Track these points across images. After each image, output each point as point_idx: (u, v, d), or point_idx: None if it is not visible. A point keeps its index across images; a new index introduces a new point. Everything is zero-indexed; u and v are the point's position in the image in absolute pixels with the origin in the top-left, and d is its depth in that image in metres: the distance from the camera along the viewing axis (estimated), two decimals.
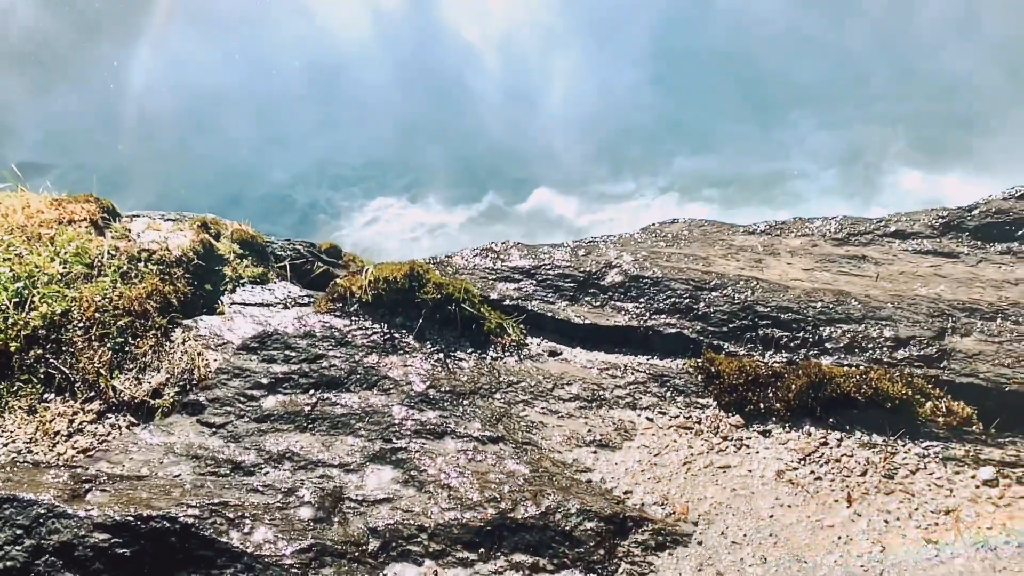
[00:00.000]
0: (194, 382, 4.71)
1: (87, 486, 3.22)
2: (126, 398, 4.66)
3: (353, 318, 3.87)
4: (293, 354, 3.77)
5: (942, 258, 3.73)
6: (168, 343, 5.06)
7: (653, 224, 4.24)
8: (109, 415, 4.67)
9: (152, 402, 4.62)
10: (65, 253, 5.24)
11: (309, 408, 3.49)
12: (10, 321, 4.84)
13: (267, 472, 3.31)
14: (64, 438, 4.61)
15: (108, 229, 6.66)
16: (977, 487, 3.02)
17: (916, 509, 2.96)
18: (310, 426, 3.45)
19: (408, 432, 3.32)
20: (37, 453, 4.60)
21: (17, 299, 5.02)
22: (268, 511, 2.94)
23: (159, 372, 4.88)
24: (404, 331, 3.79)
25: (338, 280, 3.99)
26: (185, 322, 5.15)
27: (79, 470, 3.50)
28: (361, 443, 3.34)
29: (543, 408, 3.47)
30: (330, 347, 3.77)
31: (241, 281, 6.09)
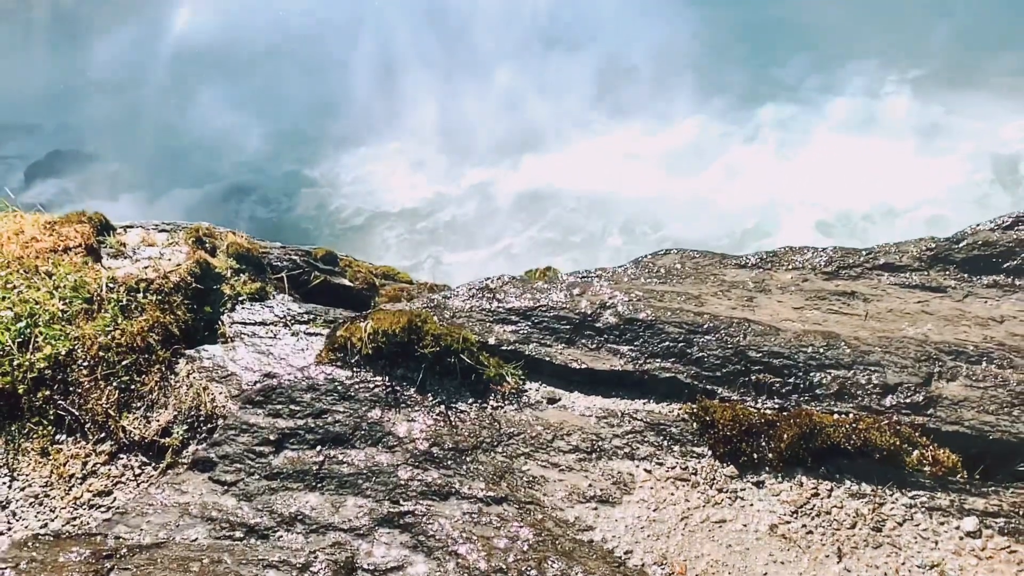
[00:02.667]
0: (201, 419, 4.79)
1: (109, 564, 3.33)
2: (136, 438, 4.75)
3: (355, 369, 3.94)
4: (298, 408, 3.85)
5: (929, 293, 3.80)
6: (173, 376, 5.14)
7: (645, 257, 4.28)
8: (121, 455, 4.77)
9: (162, 441, 4.72)
10: (64, 287, 5.26)
11: (317, 467, 3.59)
12: (16, 363, 4.91)
13: (280, 536, 3.42)
14: (79, 481, 4.71)
15: (104, 246, 6.67)
16: (961, 538, 3.14)
17: (903, 563, 3.10)
18: (319, 485, 3.55)
19: (414, 493, 3.42)
20: (54, 498, 4.72)
21: (20, 339, 5.07)
22: None
23: (166, 409, 4.97)
24: (406, 383, 3.87)
25: (338, 331, 4.05)
26: (188, 352, 5.22)
27: (98, 539, 3.61)
28: (369, 504, 3.45)
29: (544, 461, 3.57)
30: (334, 401, 3.85)
31: (240, 299, 6.13)
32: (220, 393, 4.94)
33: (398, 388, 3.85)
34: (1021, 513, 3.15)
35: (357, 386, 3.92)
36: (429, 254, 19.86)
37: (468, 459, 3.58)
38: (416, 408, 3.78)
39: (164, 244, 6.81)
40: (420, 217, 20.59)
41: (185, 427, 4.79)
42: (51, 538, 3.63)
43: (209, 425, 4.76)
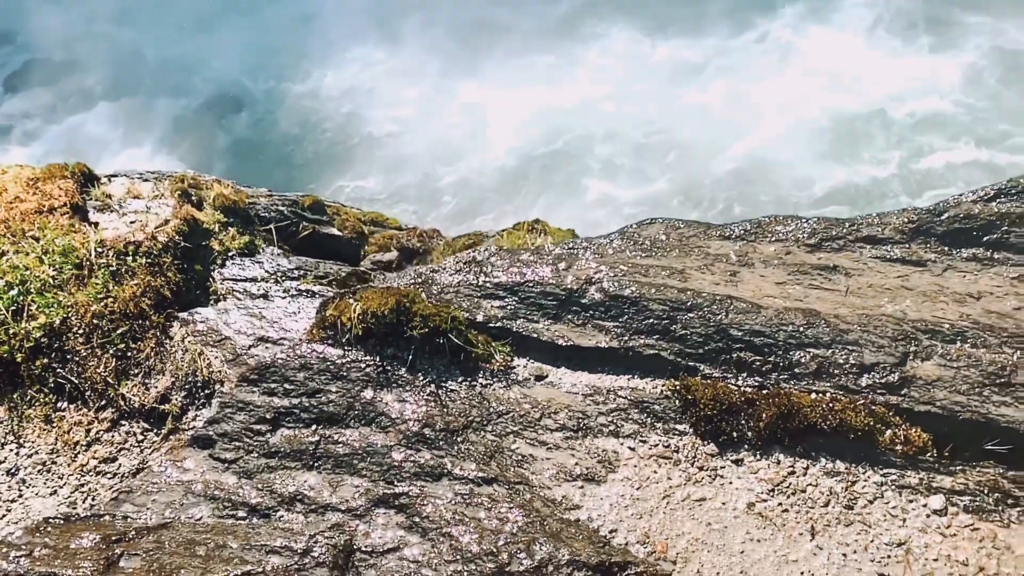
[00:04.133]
0: (199, 384, 4.87)
1: (119, 550, 3.47)
2: (136, 405, 4.85)
3: (346, 348, 4.01)
4: (292, 388, 3.93)
5: (910, 267, 3.85)
6: (168, 341, 5.20)
7: (631, 227, 4.29)
8: (123, 422, 4.88)
9: (162, 408, 4.82)
10: (53, 252, 5.25)
11: (313, 446, 3.70)
12: (11, 332, 4.95)
13: (281, 516, 3.56)
14: (84, 448, 4.84)
15: (89, 199, 6.62)
16: (928, 516, 3.30)
17: (872, 541, 3.26)
18: (316, 464, 3.67)
19: (408, 475, 3.55)
20: (61, 464, 4.85)
21: (14, 307, 5.09)
22: (288, 573, 3.21)
23: (164, 375, 5.05)
24: (396, 363, 3.94)
25: (328, 310, 4.08)
26: (182, 316, 5.27)
27: (107, 519, 3.74)
28: (365, 484, 3.58)
29: (532, 439, 3.68)
30: (327, 381, 3.93)
31: (230, 254, 6.14)
32: (215, 358, 5.01)
33: (389, 368, 3.92)
34: (986, 491, 3.30)
35: (349, 365, 3.98)
36: (421, 173, 19.62)
37: (459, 439, 3.68)
38: (407, 388, 3.86)
39: (150, 196, 6.75)
40: (408, 134, 20.22)
41: (183, 393, 4.89)
42: (61, 522, 3.76)
43: (207, 391, 4.85)
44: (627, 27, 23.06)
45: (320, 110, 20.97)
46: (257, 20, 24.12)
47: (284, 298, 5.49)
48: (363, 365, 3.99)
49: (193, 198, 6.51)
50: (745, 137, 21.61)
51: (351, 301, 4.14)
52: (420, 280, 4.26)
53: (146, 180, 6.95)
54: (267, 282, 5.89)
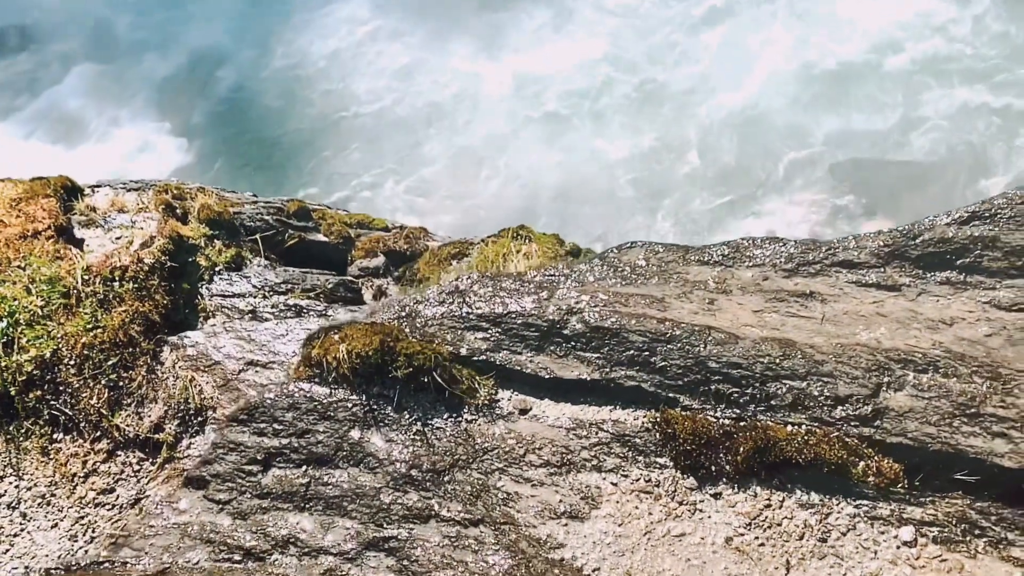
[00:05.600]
0: (191, 412, 4.95)
1: None
2: (131, 435, 4.93)
3: (332, 387, 4.08)
4: (281, 428, 4.02)
5: (885, 292, 3.90)
6: (159, 367, 5.27)
7: (611, 252, 4.33)
8: (119, 453, 4.97)
9: (156, 437, 4.90)
10: (40, 281, 5.27)
11: (303, 488, 3.80)
12: (4, 365, 5.01)
13: (276, 559, 3.68)
14: (81, 479, 4.93)
15: (73, 212, 6.61)
16: (898, 547, 3.42)
17: (844, 574, 3.37)
18: (307, 506, 3.77)
19: (397, 517, 3.65)
20: (60, 497, 4.95)
21: (5, 340, 5.14)
22: None
23: (156, 403, 5.12)
24: (382, 401, 4.01)
25: (313, 349, 4.14)
26: (171, 339, 5.34)
27: (107, 568, 3.85)
28: (356, 527, 3.69)
29: (517, 476, 3.78)
30: (315, 421, 4.01)
31: (217, 268, 6.16)
32: (207, 383, 5.09)
33: (375, 407, 4.00)
34: (954, 522, 3.41)
35: (336, 405, 4.06)
36: (412, 141, 19.43)
37: (446, 479, 3.78)
38: (394, 427, 3.95)
39: (134, 208, 6.74)
40: (397, 103, 19.96)
41: (177, 422, 4.97)
42: (63, 573, 3.87)
43: (199, 418, 4.94)
44: None
45: (305, 78, 20.65)
46: None
47: (272, 317, 5.54)
48: (350, 404, 4.06)
49: (178, 211, 6.51)
50: (739, 88, 21.40)
51: (335, 338, 4.20)
52: (404, 313, 4.31)
53: (130, 190, 6.94)
54: (255, 297, 5.93)
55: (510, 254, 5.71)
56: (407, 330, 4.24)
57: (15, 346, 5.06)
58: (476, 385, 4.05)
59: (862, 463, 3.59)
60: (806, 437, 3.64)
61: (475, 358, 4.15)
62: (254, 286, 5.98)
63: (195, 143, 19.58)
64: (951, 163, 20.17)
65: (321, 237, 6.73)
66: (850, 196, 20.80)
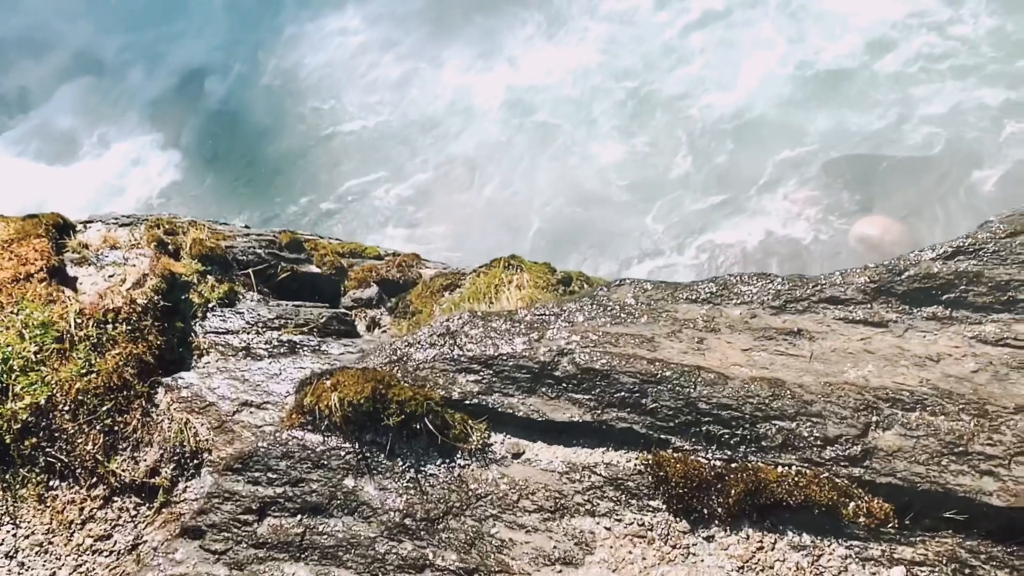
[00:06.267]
0: (187, 455, 4.96)
1: None
2: (127, 480, 4.94)
3: (325, 435, 4.11)
4: (275, 476, 4.04)
5: (872, 328, 3.93)
6: (154, 410, 5.29)
7: (600, 291, 4.34)
8: (115, 499, 4.98)
9: (152, 481, 4.91)
10: (33, 327, 5.29)
11: (299, 537, 3.82)
12: None
13: None
14: (79, 527, 4.95)
15: (65, 251, 6.63)
16: None
17: None
18: (303, 556, 3.80)
19: (392, 567, 3.68)
20: (57, 545, 4.97)
21: (0, 387, 5.15)
22: None
23: (152, 447, 5.14)
24: (375, 449, 4.04)
25: (306, 397, 4.16)
26: (166, 381, 5.36)
27: None
28: None
29: (511, 522, 3.81)
30: (308, 469, 4.03)
31: (210, 305, 6.18)
32: (201, 425, 5.11)
33: (368, 454, 4.02)
34: (944, 562, 3.44)
35: (329, 453, 4.08)
36: (406, 152, 19.41)
37: (440, 527, 3.80)
38: (387, 475, 3.97)
39: (127, 245, 6.76)
40: (389, 116, 19.95)
41: (172, 465, 4.99)
42: None
43: (195, 461, 4.96)
44: None
45: (296, 92, 20.64)
46: None
47: (266, 354, 5.56)
48: (343, 452, 4.08)
49: (170, 247, 6.53)
50: (732, 89, 21.46)
51: (327, 384, 4.22)
52: (396, 357, 4.33)
53: (122, 225, 6.95)
54: (248, 334, 5.95)
55: (502, 285, 5.74)
56: (399, 374, 4.26)
57: (10, 393, 5.08)
58: (468, 430, 4.07)
59: (852, 504, 3.61)
60: (796, 478, 3.67)
61: (467, 402, 4.17)
62: (247, 322, 5.99)
63: (186, 158, 19.56)
64: (944, 157, 20.21)
65: (314, 268, 6.75)
66: (844, 192, 20.84)
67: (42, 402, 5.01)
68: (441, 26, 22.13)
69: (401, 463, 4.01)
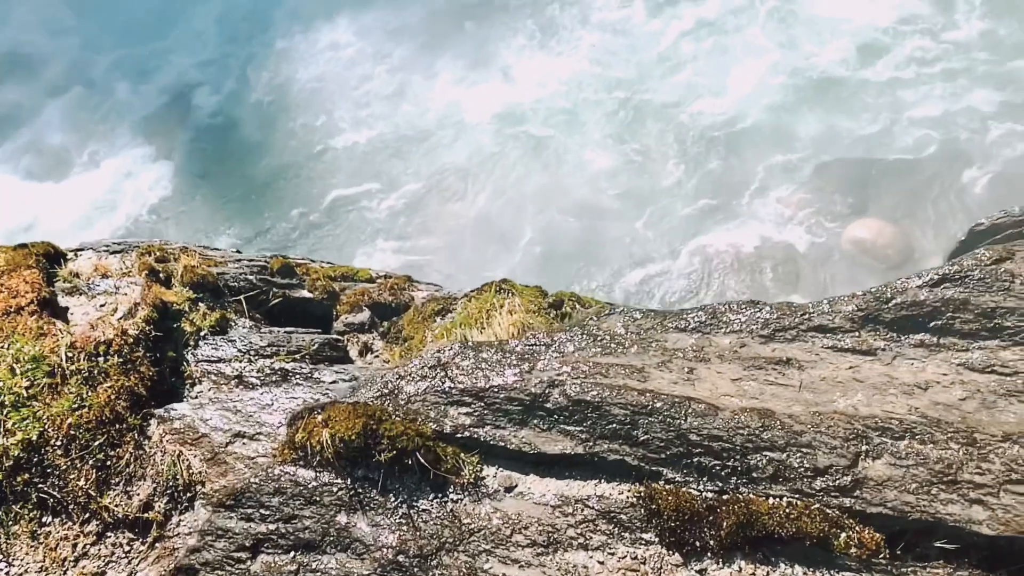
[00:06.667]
0: (180, 488, 4.96)
1: None
2: (120, 516, 4.94)
3: (317, 470, 4.12)
4: (268, 513, 4.05)
5: (860, 356, 3.96)
6: (147, 442, 5.29)
7: (591, 320, 4.36)
8: (108, 534, 4.97)
9: (146, 516, 4.91)
10: (24, 361, 5.29)
11: (293, 575, 3.81)
12: None
13: None
14: (72, 563, 4.94)
15: (56, 279, 6.63)
16: None
17: None
18: None
19: None
20: None
21: None
22: None
23: (145, 481, 5.14)
24: (367, 484, 4.05)
25: (297, 433, 4.16)
26: (158, 412, 5.36)
27: None
28: None
29: (504, 557, 3.82)
30: (301, 506, 4.03)
31: (201, 333, 6.18)
32: (194, 457, 5.11)
33: (361, 490, 4.03)
34: None
35: (321, 489, 4.09)
36: (398, 165, 19.41)
37: (433, 563, 3.81)
38: (380, 511, 3.98)
39: (118, 273, 6.76)
40: (382, 129, 19.95)
41: (166, 499, 4.99)
42: None
43: (188, 494, 4.96)
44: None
45: (288, 106, 20.64)
46: (219, 4, 23.53)
47: (259, 382, 5.57)
48: (335, 488, 4.09)
49: (161, 274, 6.53)
50: (723, 95, 21.53)
51: (318, 419, 4.23)
52: (387, 390, 4.35)
53: (113, 252, 6.95)
54: (240, 362, 5.96)
55: (493, 310, 5.75)
56: (390, 408, 4.28)
57: (1, 429, 5.07)
58: (460, 463, 4.09)
59: (844, 534, 3.63)
60: (788, 510, 3.69)
61: (459, 435, 4.19)
62: (239, 350, 6.00)
63: (177, 174, 19.54)
64: (935, 159, 20.33)
65: (305, 293, 6.76)
66: (837, 196, 20.93)
67: (34, 438, 5.01)
68: (433, 37, 22.16)
69: (393, 499, 4.02)
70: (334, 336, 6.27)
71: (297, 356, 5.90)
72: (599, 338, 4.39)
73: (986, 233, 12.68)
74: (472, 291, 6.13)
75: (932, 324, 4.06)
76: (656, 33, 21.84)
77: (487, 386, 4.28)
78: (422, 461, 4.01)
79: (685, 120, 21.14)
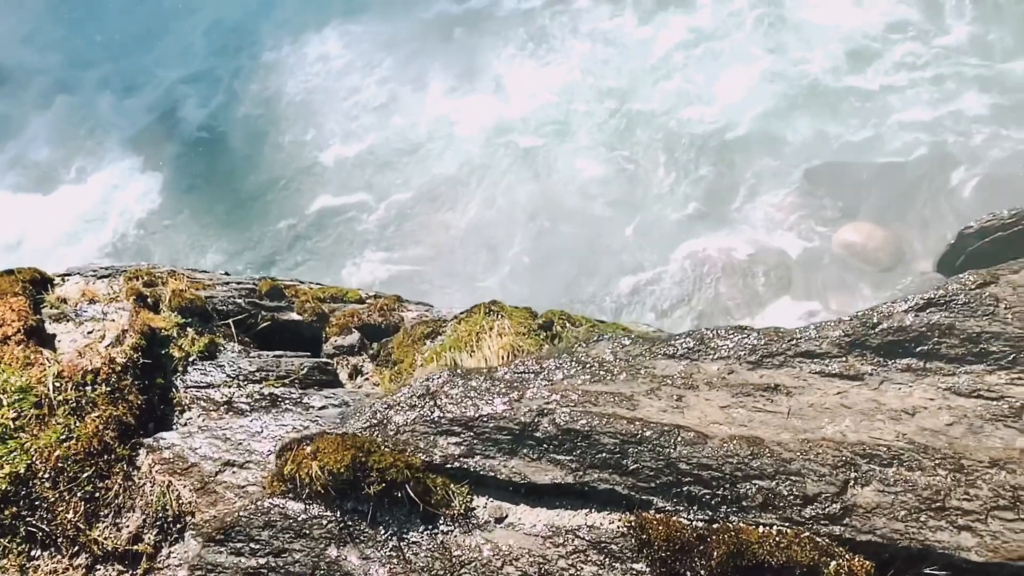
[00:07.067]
0: (170, 519, 4.95)
1: None
2: (110, 548, 4.92)
3: (307, 503, 4.12)
4: (258, 547, 4.05)
5: (848, 381, 3.98)
6: (136, 472, 5.28)
7: (579, 347, 4.38)
8: (98, 567, 4.96)
9: (135, 548, 4.89)
10: (11, 392, 5.27)
11: None
12: None
13: None
14: None
15: (44, 305, 6.61)
16: None
17: None
18: None
19: None
20: None
21: None
22: None
23: (134, 512, 5.12)
24: (357, 517, 4.05)
25: (285, 466, 4.16)
26: (147, 442, 5.36)
27: None
28: None
29: None
30: (291, 539, 4.04)
31: (190, 359, 6.17)
32: (184, 487, 5.10)
33: (350, 523, 4.03)
34: None
35: (311, 522, 4.09)
36: (387, 178, 19.41)
37: None
38: (370, 544, 3.98)
39: (105, 299, 6.75)
40: (371, 142, 19.95)
41: (155, 531, 4.98)
42: None
43: (178, 525, 4.95)
44: (598, 7, 22.77)
45: (277, 118, 20.64)
46: (206, 17, 23.53)
47: (248, 408, 5.56)
48: (324, 521, 4.09)
49: (149, 299, 6.52)
50: (713, 103, 21.62)
51: (307, 451, 4.23)
52: (376, 421, 4.35)
53: (100, 277, 6.94)
54: (229, 387, 5.95)
55: (483, 332, 5.77)
56: (379, 439, 4.28)
57: None
58: (450, 495, 4.09)
59: (833, 563, 3.65)
60: (777, 539, 3.70)
61: (448, 465, 4.19)
62: (228, 375, 5.99)
63: (165, 188, 19.50)
64: (924, 163, 20.47)
65: (294, 316, 6.75)
66: (827, 199, 21.05)
67: (22, 471, 4.99)
68: (423, 46, 22.20)
69: (383, 531, 4.02)
70: (323, 359, 6.28)
71: (286, 381, 5.90)
72: (588, 365, 4.40)
73: (975, 236, 12.78)
74: (461, 313, 6.13)
75: (919, 349, 4.09)
76: (646, 41, 21.95)
77: (476, 415, 4.28)
78: (411, 494, 4.01)
79: (675, 127, 21.24)
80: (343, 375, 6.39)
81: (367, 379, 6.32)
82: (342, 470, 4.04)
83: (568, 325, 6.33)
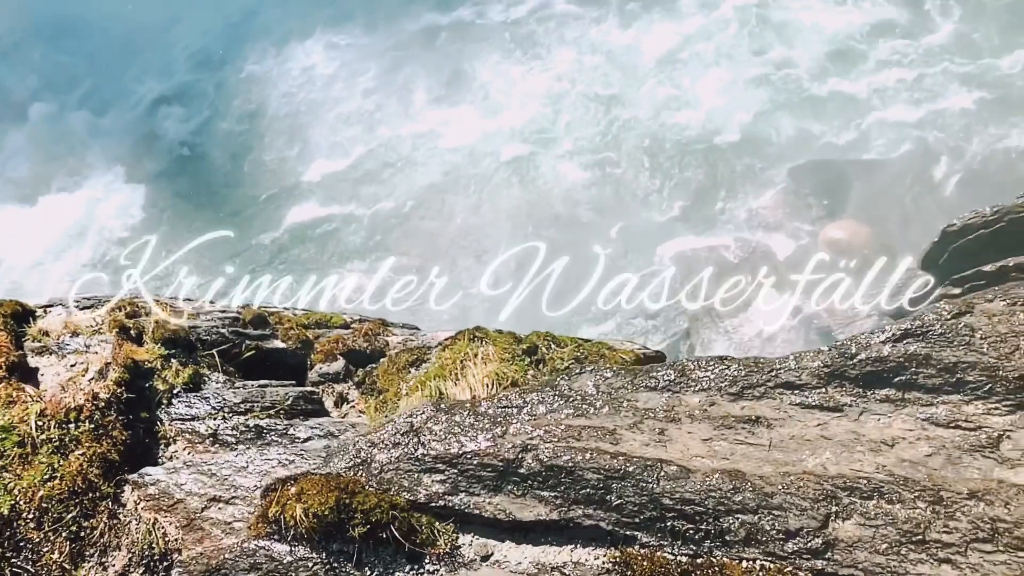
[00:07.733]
0: (156, 557, 4.95)
1: None
2: None
3: (292, 544, 4.14)
4: None
5: (828, 413, 4.03)
6: (121, 510, 5.28)
7: (562, 381, 4.41)
8: None
9: None
10: None
11: None
12: None
13: None
14: None
15: (26, 338, 6.59)
16: None
17: None
18: None
19: None
20: None
21: None
22: None
23: (120, 550, 5.12)
24: (342, 558, 4.07)
25: (269, 508, 4.17)
26: (132, 478, 5.36)
27: None
28: None
29: None
30: None
31: (175, 391, 6.16)
32: (170, 524, 5.10)
33: (336, 564, 4.05)
34: None
35: (296, 564, 4.11)
36: (372, 188, 19.41)
37: None
38: None
39: (88, 330, 6.72)
40: (356, 152, 19.93)
41: (142, 569, 4.98)
42: None
43: (165, 563, 4.95)
44: (584, 14, 22.83)
45: (259, 132, 20.60)
46: (187, 31, 23.44)
47: (234, 440, 5.57)
48: (310, 563, 4.11)
49: (132, 331, 6.50)
50: (698, 107, 21.69)
51: (291, 492, 4.24)
52: (360, 460, 4.37)
53: (83, 308, 6.92)
54: (215, 419, 5.95)
55: (467, 359, 5.78)
56: (363, 478, 4.30)
57: None
58: (435, 534, 4.11)
59: None
60: (761, 574, 3.74)
61: (433, 503, 4.21)
62: (213, 407, 5.99)
63: (147, 202, 19.42)
64: (907, 160, 20.62)
65: (279, 343, 6.75)
66: (812, 198, 21.18)
67: (5, 512, 4.98)
68: (408, 55, 22.20)
69: (369, 572, 4.04)
70: (308, 388, 6.28)
71: (271, 411, 5.90)
72: (571, 399, 4.43)
73: (958, 234, 12.89)
74: (446, 339, 6.15)
75: (896, 379, 4.13)
76: (631, 47, 22.02)
77: (460, 452, 4.31)
78: (396, 534, 4.03)
79: (660, 131, 21.32)
80: (329, 403, 6.39)
81: (353, 406, 6.33)
82: (326, 512, 4.06)
83: (553, 346, 6.36)
